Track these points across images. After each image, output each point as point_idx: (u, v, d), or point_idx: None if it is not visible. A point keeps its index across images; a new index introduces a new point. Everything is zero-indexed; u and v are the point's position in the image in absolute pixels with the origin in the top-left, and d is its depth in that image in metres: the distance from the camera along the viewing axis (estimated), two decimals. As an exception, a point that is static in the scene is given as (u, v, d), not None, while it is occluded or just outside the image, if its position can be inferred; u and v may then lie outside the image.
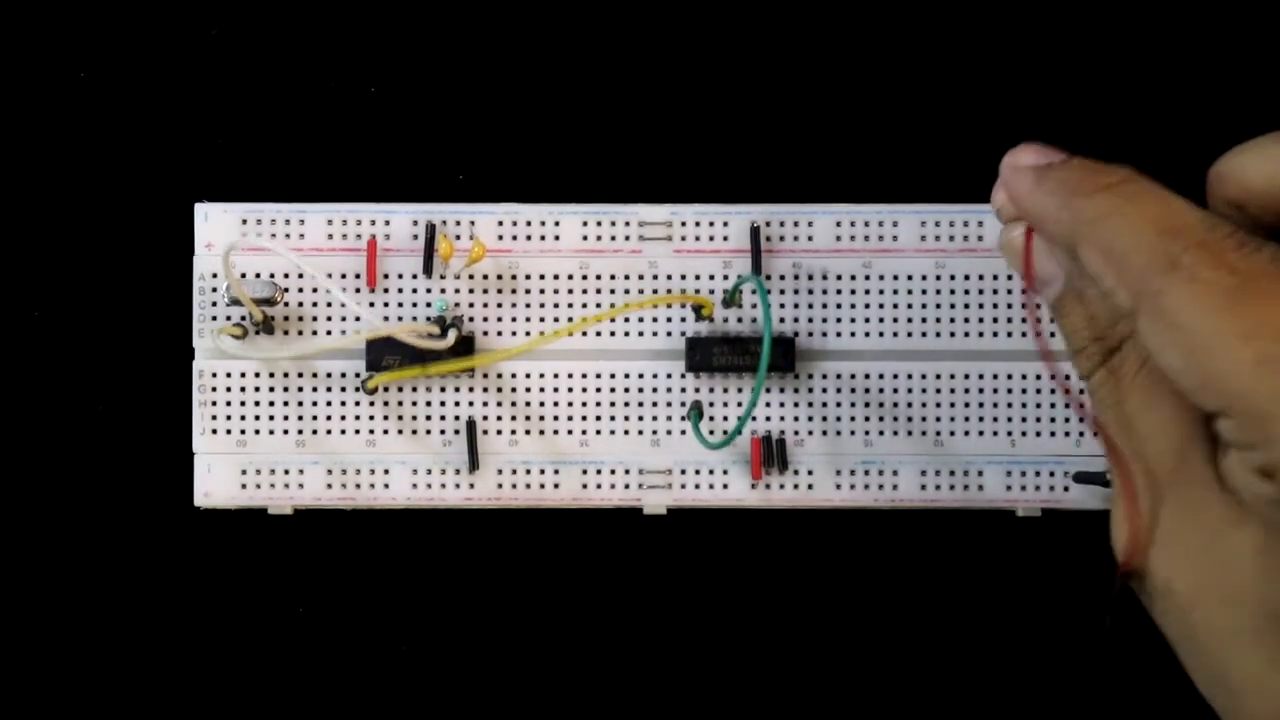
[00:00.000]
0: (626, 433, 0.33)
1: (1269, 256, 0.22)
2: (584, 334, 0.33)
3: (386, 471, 0.33)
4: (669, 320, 0.33)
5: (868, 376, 0.33)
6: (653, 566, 0.34)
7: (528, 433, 0.33)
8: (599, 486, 0.33)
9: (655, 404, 0.33)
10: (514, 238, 0.33)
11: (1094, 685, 0.34)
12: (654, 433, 0.33)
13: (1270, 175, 0.24)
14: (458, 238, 0.33)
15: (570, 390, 0.33)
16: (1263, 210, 0.24)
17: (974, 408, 0.33)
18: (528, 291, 0.33)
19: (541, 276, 0.33)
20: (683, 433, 0.33)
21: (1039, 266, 0.26)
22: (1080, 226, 0.24)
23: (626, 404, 0.33)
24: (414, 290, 0.33)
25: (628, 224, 0.33)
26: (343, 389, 0.33)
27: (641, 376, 0.33)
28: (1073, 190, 0.25)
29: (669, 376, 0.33)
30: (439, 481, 0.33)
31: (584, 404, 0.33)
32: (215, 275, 0.32)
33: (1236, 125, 0.34)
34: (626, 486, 0.33)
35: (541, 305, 0.33)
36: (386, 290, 0.33)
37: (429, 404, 0.33)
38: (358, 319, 0.33)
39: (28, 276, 0.34)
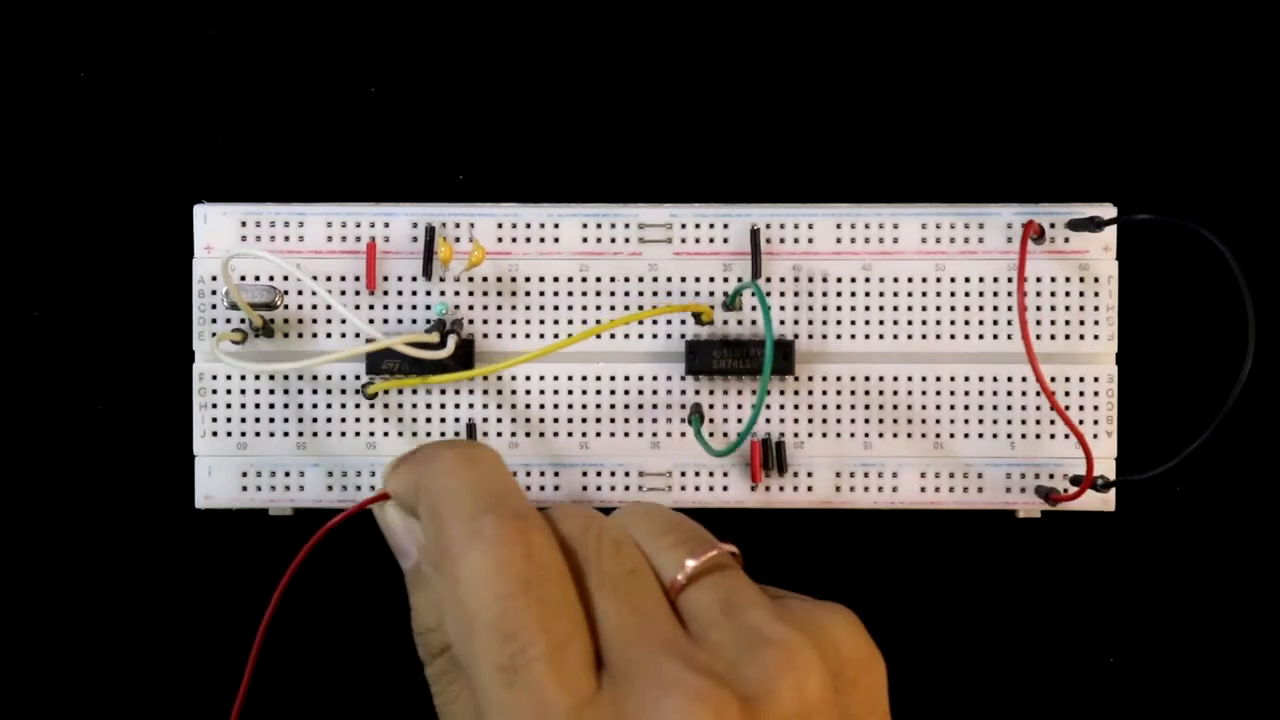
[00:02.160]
0: (626, 435, 0.33)
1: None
2: (583, 336, 0.33)
3: (387, 474, 0.33)
4: (669, 323, 0.33)
5: (868, 379, 0.33)
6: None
7: (528, 435, 0.33)
8: (599, 489, 0.33)
9: (655, 406, 0.33)
10: (513, 240, 0.33)
11: (1093, 685, 0.34)
12: (654, 435, 0.33)
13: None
14: (457, 240, 0.33)
15: (570, 393, 0.33)
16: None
17: (974, 410, 0.33)
18: (527, 294, 0.33)
19: (541, 279, 0.33)
20: (683, 435, 0.33)
21: (400, 540, 0.27)
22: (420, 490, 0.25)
23: (626, 406, 0.33)
24: (414, 293, 0.33)
25: (627, 226, 0.33)
26: (343, 391, 0.33)
27: (641, 379, 0.33)
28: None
29: (669, 379, 0.33)
30: (439, 484, 0.33)
31: (584, 406, 0.33)
32: (215, 278, 0.32)
33: (1235, 125, 0.34)
34: (626, 489, 0.33)
35: (541, 308, 0.33)
36: (386, 293, 0.33)
37: (429, 406, 0.33)
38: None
39: (28, 276, 0.34)
